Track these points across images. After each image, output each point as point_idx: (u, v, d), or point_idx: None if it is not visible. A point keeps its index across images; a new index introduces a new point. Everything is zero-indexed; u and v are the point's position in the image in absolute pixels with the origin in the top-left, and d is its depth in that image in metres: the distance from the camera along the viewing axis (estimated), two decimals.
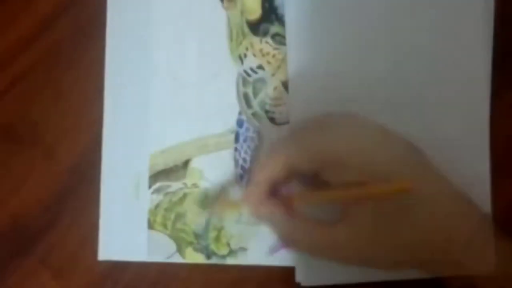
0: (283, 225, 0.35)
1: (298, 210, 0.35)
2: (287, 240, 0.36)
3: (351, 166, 0.33)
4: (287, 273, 0.39)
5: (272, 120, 0.40)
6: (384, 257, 0.34)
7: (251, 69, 0.41)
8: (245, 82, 0.41)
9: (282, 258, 0.39)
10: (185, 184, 0.40)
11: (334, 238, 0.34)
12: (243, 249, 0.40)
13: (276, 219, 0.35)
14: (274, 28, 0.40)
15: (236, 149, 0.40)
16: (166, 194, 0.40)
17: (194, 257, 0.40)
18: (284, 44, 0.40)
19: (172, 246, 0.40)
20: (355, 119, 0.36)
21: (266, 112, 0.40)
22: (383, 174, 0.33)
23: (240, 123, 0.41)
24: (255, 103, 0.41)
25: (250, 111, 0.41)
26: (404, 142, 0.35)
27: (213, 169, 0.40)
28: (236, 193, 0.40)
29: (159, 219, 0.40)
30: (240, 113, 0.41)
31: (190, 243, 0.40)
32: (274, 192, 0.35)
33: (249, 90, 0.41)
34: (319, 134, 0.35)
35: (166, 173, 0.41)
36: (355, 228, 0.33)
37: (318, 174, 0.34)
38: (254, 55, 0.41)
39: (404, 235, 0.33)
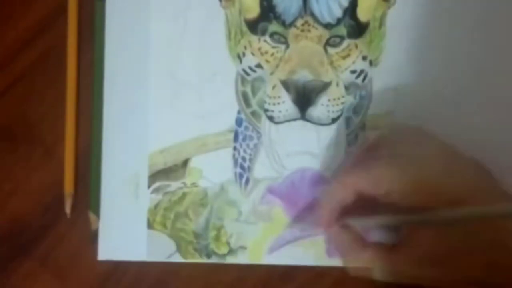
0: (352, 251, 0.36)
1: (363, 235, 0.36)
2: (356, 267, 0.36)
3: (420, 192, 0.33)
4: (287, 272, 0.39)
5: (271, 118, 0.40)
6: (451, 280, 0.33)
7: (250, 67, 0.40)
8: (243, 81, 0.41)
9: (282, 258, 0.39)
10: (184, 183, 0.40)
11: (395, 262, 0.34)
12: (243, 248, 0.40)
13: (344, 244, 0.36)
14: (273, 27, 0.40)
15: (235, 148, 0.40)
16: (166, 193, 0.40)
17: (194, 257, 0.40)
18: (282, 42, 0.40)
19: (172, 245, 0.40)
20: (421, 137, 0.36)
21: (265, 110, 0.40)
22: (454, 199, 0.32)
23: (239, 122, 0.40)
24: (254, 102, 0.40)
25: (249, 110, 0.40)
26: (473, 164, 0.34)
27: (212, 168, 0.40)
28: (235, 192, 0.40)
29: (158, 218, 0.40)
30: (239, 112, 0.40)
31: (190, 243, 0.40)
32: (341, 217, 0.36)
33: (248, 89, 0.41)
34: (388, 162, 0.35)
35: (165, 172, 0.40)
36: (418, 252, 0.34)
37: (385, 198, 0.34)
38: (253, 54, 0.40)
39: (476, 258, 0.33)
